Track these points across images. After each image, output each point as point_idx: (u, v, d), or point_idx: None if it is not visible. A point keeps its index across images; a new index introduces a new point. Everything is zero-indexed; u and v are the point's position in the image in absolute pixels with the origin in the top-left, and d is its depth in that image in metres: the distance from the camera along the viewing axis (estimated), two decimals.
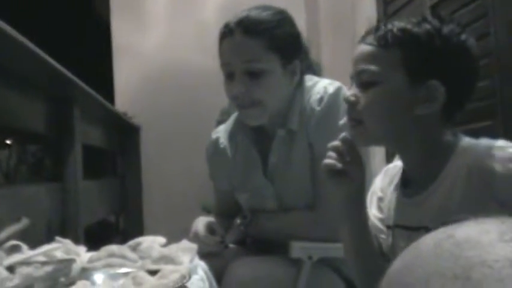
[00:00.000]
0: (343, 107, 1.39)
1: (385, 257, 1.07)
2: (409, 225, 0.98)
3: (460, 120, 1.01)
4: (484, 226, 0.31)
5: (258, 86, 1.41)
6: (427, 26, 0.92)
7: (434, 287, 0.28)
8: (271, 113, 1.45)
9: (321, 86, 1.44)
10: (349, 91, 0.99)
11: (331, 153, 0.99)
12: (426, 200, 0.95)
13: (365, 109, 0.95)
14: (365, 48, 0.96)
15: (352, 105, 0.97)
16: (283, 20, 1.45)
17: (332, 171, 0.99)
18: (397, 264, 0.34)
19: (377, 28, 0.96)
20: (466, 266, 0.28)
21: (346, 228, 1.06)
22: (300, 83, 1.48)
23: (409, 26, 0.92)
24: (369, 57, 0.95)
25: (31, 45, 1.22)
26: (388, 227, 1.06)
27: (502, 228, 0.30)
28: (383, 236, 1.09)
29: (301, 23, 1.79)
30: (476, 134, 0.98)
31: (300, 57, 1.47)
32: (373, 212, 1.11)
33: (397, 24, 0.94)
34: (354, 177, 0.99)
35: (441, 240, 0.31)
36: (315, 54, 1.70)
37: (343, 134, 1.00)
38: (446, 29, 0.91)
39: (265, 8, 1.46)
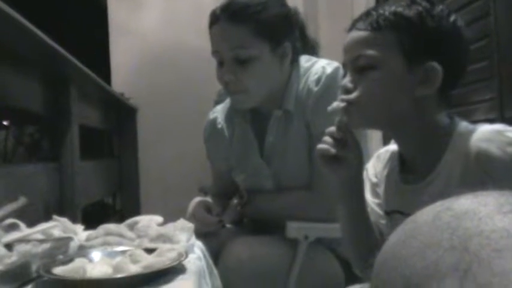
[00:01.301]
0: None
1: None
2: (409, 213, 0.98)
3: (459, 101, 1.01)
4: (482, 199, 0.31)
5: (247, 73, 1.40)
6: (418, 8, 0.92)
7: (431, 258, 0.28)
8: (264, 96, 1.45)
9: (319, 66, 1.44)
10: (345, 79, 0.97)
11: (327, 138, 0.99)
12: (427, 187, 0.94)
13: (364, 94, 0.94)
14: (358, 33, 0.95)
15: (348, 92, 0.96)
16: (271, 1, 1.41)
17: (326, 156, 0.98)
18: (393, 238, 0.34)
19: (367, 14, 0.96)
20: (464, 237, 0.28)
21: (343, 212, 1.06)
22: (296, 63, 1.48)
23: (400, 9, 0.92)
24: (363, 42, 0.94)
25: (28, 24, 1.21)
26: (386, 212, 1.06)
27: (501, 200, 0.30)
28: (382, 221, 1.09)
29: (298, 3, 1.77)
30: (475, 114, 0.98)
31: (291, 38, 1.44)
32: (369, 198, 1.12)
33: (387, 8, 0.93)
34: (349, 162, 0.98)
35: (439, 213, 0.31)
36: (313, 33, 1.66)
37: (338, 118, 0.98)
38: (436, 10, 0.92)
39: None
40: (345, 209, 1.05)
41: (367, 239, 1.06)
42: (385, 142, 1.18)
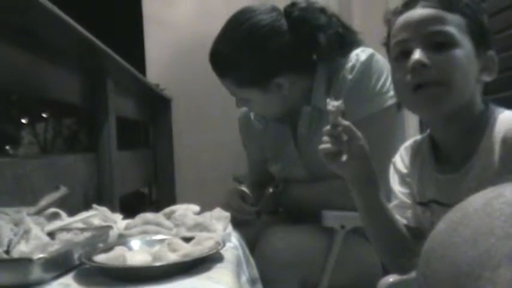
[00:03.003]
0: (377, 73, 1.37)
1: (415, 231, 1.06)
2: (448, 202, 0.97)
3: (497, 88, 1.00)
4: None
5: (251, 107, 1.50)
6: (475, 0, 0.95)
7: (483, 247, 0.27)
8: (283, 112, 1.49)
9: (353, 54, 1.42)
10: (415, 55, 0.91)
11: (325, 138, 0.98)
12: (465, 176, 0.92)
13: (450, 69, 0.90)
14: (429, 10, 0.93)
15: (424, 68, 0.90)
16: (249, 47, 1.36)
17: (330, 155, 0.97)
18: (441, 225, 0.33)
19: None
20: None
21: (359, 207, 1.05)
22: (323, 62, 1.45)
23: None
24: (440, 19, 0.92)
25: (66, 17, 1.23)
26: (422, 203, 1.04)
27: None
28: (410, 211, 1.08)
29: None
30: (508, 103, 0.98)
31: (285, 71, 1.39)
32: (398, 188, 1.10)
33: None
34: (354, 156, 0.97)
35: (491, 199, 0.30)
36: (346, 21, 1.60)
37: (331, 116, 0.96)
38: (484, 5, 0.97)
39: (232, 35, 1.39)
40: (359, 203, 1.05)
41: (388, 230, 1.05)
42: (422, 129, 1.16)
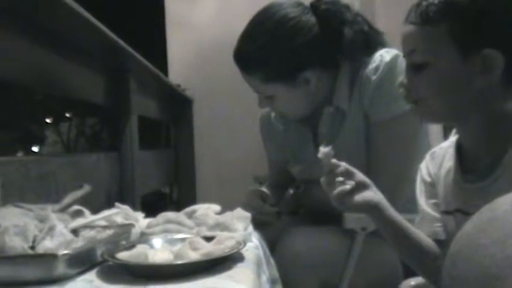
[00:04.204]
0: (401, 75, 1.36)
1: (442, 243, 1.04)
2: (473, 212, 0.94)
3: None
4: None
5: (275, 105, 1.47)
6: None
7: None
8: (306, 112, 1.48)
9: (377, 55, 1.41)
10: (404, 74, 0.98)
11: (326, 188, 0.99)
12: (492, 185, 0.90)
13: (422, 91, 0.93)
14: (410, 28, 0.93)
15: (408, 89, 0.96)
16: (277, 40, 1.37)
17: (343, 197, 0.97)
18: (468, 227, 0.33)
19: (418, 4, 0.93)
20: None
21: (380, 227, 1.05)
22: (346, 62, 1.44)
23: None
24: (415, 37, 0.93)
25: (90, 17, 1.24)
26: (447, 212, 1.03)
27: None
28: (438, 224, 1.06)
29: None
30: None
31: (313, 64, 1.39)
32: (423, 200, 1.09)
33: None
34: (359, 190, 0.98)
35: None
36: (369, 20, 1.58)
37: (322, 162, 0.97)
38: None
39: (259, 29, 1.39)
40: (379, 225, 1.05)
41: (410, 246, 1.04)
42: (446, 134, 1.15)
